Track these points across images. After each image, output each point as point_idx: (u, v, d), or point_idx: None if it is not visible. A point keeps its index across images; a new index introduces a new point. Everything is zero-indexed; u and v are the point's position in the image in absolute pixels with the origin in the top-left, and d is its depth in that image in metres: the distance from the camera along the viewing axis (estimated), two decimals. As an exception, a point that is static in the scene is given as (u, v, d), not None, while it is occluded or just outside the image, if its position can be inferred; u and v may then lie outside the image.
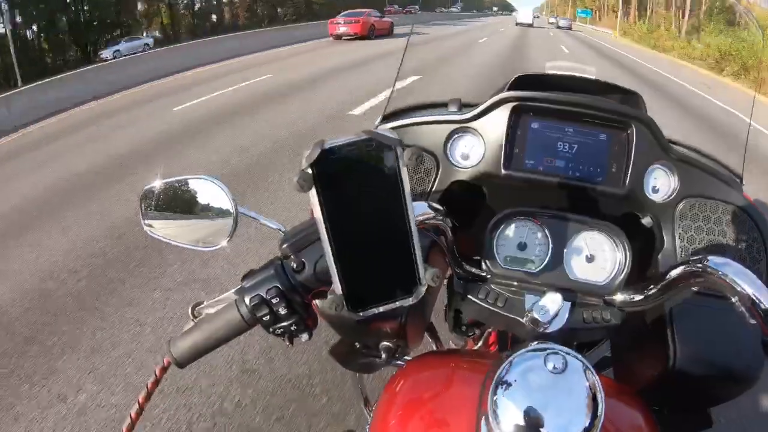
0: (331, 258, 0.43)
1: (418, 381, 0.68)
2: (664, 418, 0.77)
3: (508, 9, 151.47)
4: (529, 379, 0.49)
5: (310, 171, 0.40)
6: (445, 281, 0.78)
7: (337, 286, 0.44)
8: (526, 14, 42.15)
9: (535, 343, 0.55)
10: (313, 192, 0.40)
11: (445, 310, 0.89)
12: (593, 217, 0.75)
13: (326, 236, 0.42)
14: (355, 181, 0.42)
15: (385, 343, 0.75)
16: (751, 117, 1.00)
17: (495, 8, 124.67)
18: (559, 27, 42.73)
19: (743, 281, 0.54)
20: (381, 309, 0.46)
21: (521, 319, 0.68)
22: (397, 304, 0.46)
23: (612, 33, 21.90)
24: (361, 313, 0.45)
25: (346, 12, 20.15)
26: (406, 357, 0.78)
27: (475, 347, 1.00)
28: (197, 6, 38.48)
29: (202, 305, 0.56)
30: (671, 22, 32.62)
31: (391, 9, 36.09)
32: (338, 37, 18.86)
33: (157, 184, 0.65)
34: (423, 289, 0.46)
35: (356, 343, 0.78)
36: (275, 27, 23.89)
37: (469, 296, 0.73)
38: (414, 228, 0.44)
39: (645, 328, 0.78)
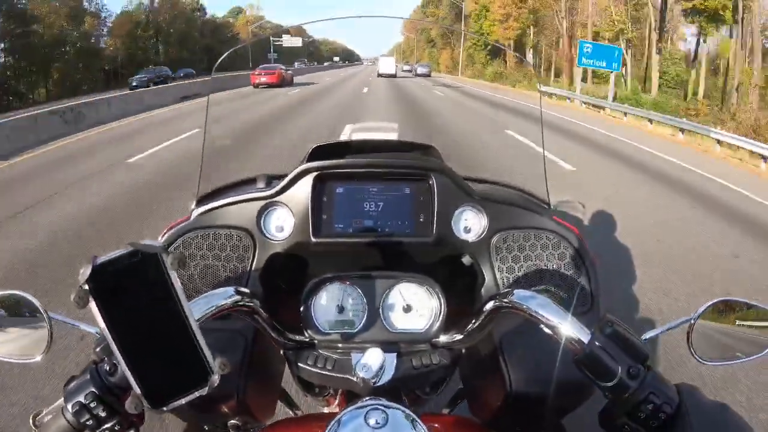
0: (122, 362, 0.45)
1: None
2: None
3: (351, 58, 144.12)
4: None
5: (86, 287, 0.42)
6: (282, 351, 0.79)
7: (134, 386, 0.46)
8: (387, 64, 39.27)
9: (365, 399, 0.59)
10: (92, 305, 0.43)
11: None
12: (408, 269, 0.79)
13: (113, 343, 0.44)
14: (130, 290, 0.44)
15: (232, 421, 0.81)
16: (543, 146, 1.14)
17: (336, 58, 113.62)
18: (417, 75, 39.69)
19: (545, 311, 0.60)
20: (183, 401, 0.48)
21: (353, 378, 0.70)
22: (196, 394, 0.48)
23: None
24: (164, 408, 0.47)
25: (262, 66, 26.56)
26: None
27: (332, 405, 1.02)
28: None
29: (42, 414, 0.56)
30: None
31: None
32: (257, 86, 24.01)
33: None
34: (215, 378, 0.48)
35: (205, 426, 0.82)
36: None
37: (299, 364, 0.75)
38: (194, 324, 0.47)
39: (484, 359, 0.84)
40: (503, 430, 0.86)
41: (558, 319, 0.59)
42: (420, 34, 75.74)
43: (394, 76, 37.13)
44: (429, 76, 40.84)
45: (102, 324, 0.44)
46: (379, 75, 36.89)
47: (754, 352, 0.65)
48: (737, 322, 0.66)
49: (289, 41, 57.65)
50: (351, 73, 45.68)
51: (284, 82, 24.75)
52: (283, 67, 28.17)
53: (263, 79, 24.09)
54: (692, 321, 0.62)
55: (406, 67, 54.47)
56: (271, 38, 56.34)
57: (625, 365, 0.54)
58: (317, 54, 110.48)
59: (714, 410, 0.52)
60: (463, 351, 0.82)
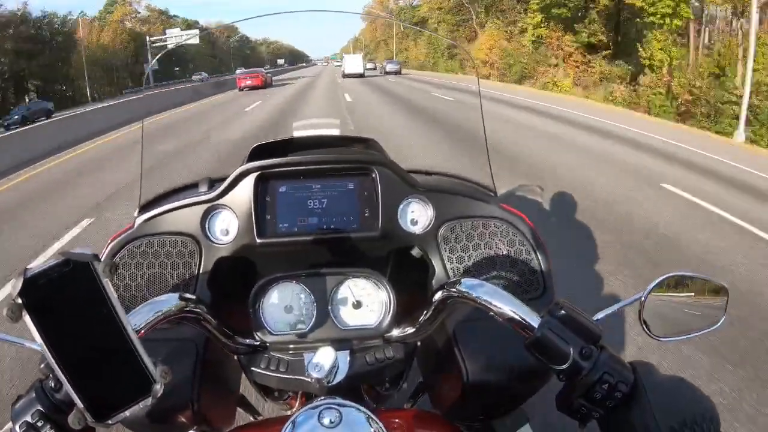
0: (62, 376, 0.44)
1: None
2: (478, 429, 0.85)
3: (300, 60, 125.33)
4: None
5: (19, 300, 0.41)
6: (236, 357, 0.79)
7: (76, 401, 0.44)
8: (354, 62, 33.82)
9: (320, 398, 0.60)
10: (27, 319, 0.42)
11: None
12: (356, 264, 0.79)
13: (51, 357, 0.43)
14: (64, 301, 0.43)
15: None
16: (485, 135, 1.05)
17: (281, 61, 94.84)
18: (387, 73, 34.77)
19: (494, 298, 0.60)
20: (127, 413, 0.46)
21: (307, 379, 0.69)
22: (140, 405, 0.47)
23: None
24: (109, 422, 0.46)
25: (246, 70, 29.05)
26: None
27: (293, 408, 1.01)
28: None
29: None
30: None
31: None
32: (242, 89, 25.31)
33: None
34: (158, 387, 0.47)
35: None
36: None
37: (252, 368, 0.75)
38: (132, 333, 0.46)
39: (440, 350, 0.83)
40: (464, 420, 0.86)
41: (507, 306, 0.59)
42: (398, 16, 56.45)
43: (362, 75, 33.33)
44: (399, 73, 36.17)
45: (38, 338, 0.43)
46: (345, 75, 32.82)
47: (706, 326, 0.65)
48: (688, 297, 0.66)
49: (176, 37, 37.23)
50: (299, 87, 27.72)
51: (266, 84, 26.57)
52: (264, 70, 30.76)
53: (248, 82, 25.54)
54: (643, 298, 0.62)
55: (370, 65, 47.39)
56: (148, 38, 38.03)
57: (577, 347, 0.54)
58: (254, 57, 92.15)
59: (670, 385, 0.52)
60: (419, 344, 0.81)
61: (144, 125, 11.37)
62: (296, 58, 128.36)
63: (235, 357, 0.79)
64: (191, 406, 0.75)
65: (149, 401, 0.47)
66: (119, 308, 0.46)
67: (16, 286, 0.41)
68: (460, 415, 0.85)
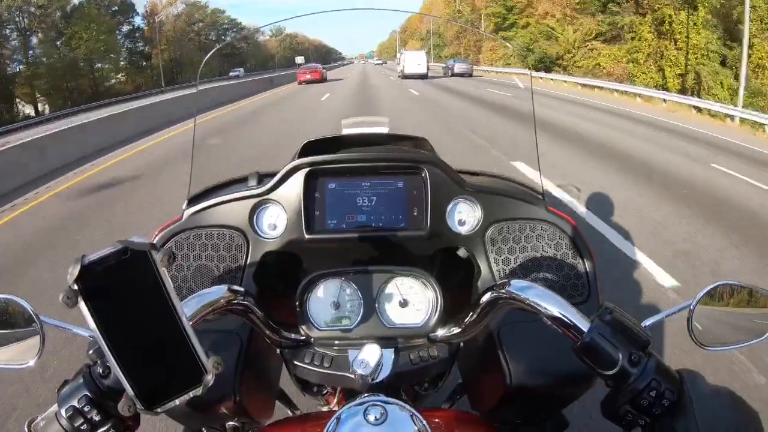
0: (114, 363, 0.44)
1: None
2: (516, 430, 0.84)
3: (331, 58, 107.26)
4: None
5: (75, 287, 0.42)
6: (279, 351, 0.80)
7: (127, 388, 0.45)
8: (415, 60, 27.67)
9: (364, 395, 0.61)
10: (82, 305, 0.42)
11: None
12: (403, 263, 0.79)
13: (104, 343, 0.44)
14: (120, 288, 0.44)
15: (230, 423, 0.81)
16: (536, 138, 1.05)
17: (300, 59, 58.56)
18: (453, 74, 27.63)
19: (544, 301, 0.59)
20: (177, 401, 0.47)
21: (350, 375, 0.69)
22: (190, 394, 0.47)
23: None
24: (158, 410, 0.47)
25: (305, 65, 31.74)
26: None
27: (331, 405, 1.01)
28: None
29: (37, 420, 0.55)
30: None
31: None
32: (301, 83, 27.39)
33: None
34: (210, 377, 0.48)
35: (203, 429, 0.83)
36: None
37: (295, 362, 0.76)
38: (186, 323, 0.47)
39: (482, 352, 0.84)
40: (504, 423, 0.85)
41: (556, 309, 0.59)
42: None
43: (425, 76, 26.88)
44: (471, 75, 28.50)
45: (92, 324, 0.43)
46: (405, 76, 26.82)
47: (755, 337, 0.63)
48: (737, 306, 0.64)
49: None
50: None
51: (323, 79, 28.68)
52: (321, 66, 32.60)
53: (308, 77, 27.78)
54: (692, 306, 0.61)
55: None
56: None
57: (626, 353, 0.54)
58: (255, 54, 71.64)
59: (717, 395, 0.51)
60: (461, 344, 0.81)
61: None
62: (324, 56, 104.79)
63: (278, 351, 0.80)
64: (233, 398, 0.77)
65: (200, 392, 0.48)
66: (175, 298, 0.46)
67: (72, 273, 0.42)
68: (499, 418, 0.85)
